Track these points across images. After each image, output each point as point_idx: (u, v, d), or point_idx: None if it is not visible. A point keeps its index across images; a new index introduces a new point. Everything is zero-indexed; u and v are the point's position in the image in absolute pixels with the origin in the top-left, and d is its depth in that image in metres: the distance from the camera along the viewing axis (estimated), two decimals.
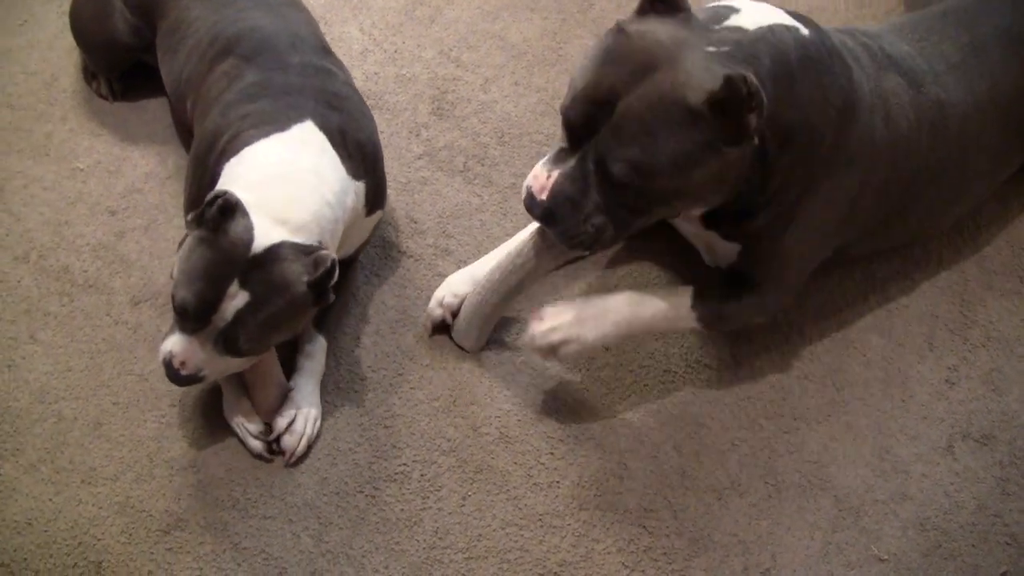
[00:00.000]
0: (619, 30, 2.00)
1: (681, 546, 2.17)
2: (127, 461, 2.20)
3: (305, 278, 2.03)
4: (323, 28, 2.64)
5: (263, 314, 2.02)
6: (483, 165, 2.72)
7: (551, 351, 2.22)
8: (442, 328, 2.41)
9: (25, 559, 2.07)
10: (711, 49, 1.94)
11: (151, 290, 2.43)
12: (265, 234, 2.00)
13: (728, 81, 1.85)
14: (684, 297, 2.29)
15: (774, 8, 2.12)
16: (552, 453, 2.27)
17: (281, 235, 2.02)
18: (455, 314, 2.38)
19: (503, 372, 2.37)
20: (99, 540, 2.10)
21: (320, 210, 2.10)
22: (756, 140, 1.95)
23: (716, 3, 2.13)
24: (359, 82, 2.83)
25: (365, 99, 2.73)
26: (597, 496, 2.22)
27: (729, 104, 1.88)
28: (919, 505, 2.26)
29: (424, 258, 2.53)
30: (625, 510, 2.21)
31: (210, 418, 2.26)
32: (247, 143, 2.15)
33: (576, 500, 2.21)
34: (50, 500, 2.14)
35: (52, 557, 2.07)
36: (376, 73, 2.90)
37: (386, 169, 2.60)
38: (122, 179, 2.62)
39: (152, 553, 2.09)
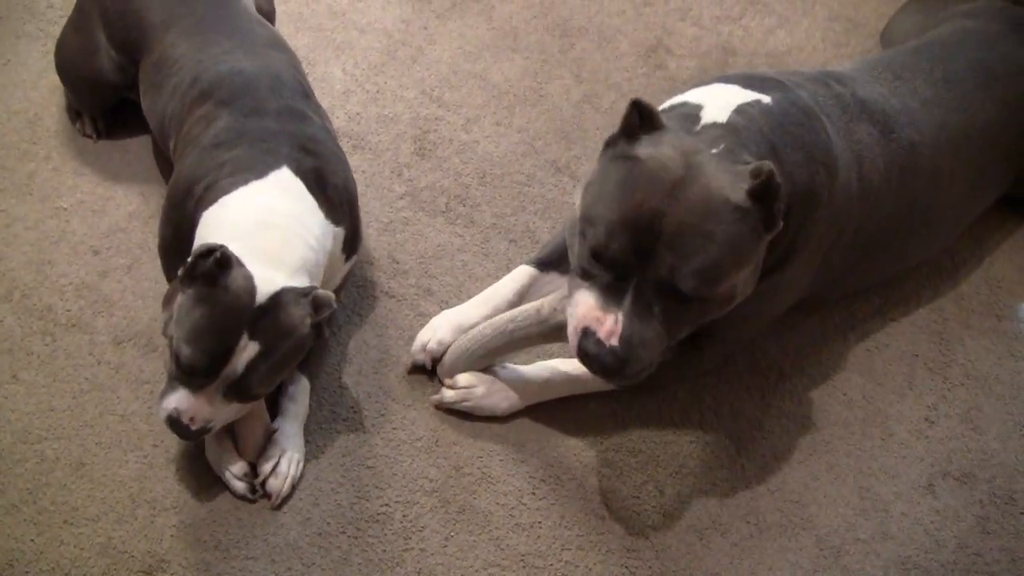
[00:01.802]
0: (625, 156, 2.00)
1: None
2: (109, 502, 2.19)
3: (308, 320, 2.05)
4: (306, 68, 2.65)
5: (273, 360, 2.03)
6: (465, 205, 2.73)
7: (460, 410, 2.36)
8: (422, 368, 2.42)
9: None
10: (714, 151, 1.98)
11: (134, 330, 2.43)
12: (266, 282, 2.02)
13: (758, 172, 1.91)
14: None
15: (729, 88, 2.19)
16: (534, 493, 2.27)
17: (280, 281, 2.03)
18: (437, 359, 2.39)
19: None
20: None
21: (306, 254, 2.12)
22: (782, 223, 1.99)
23: (674, 100, 2.19)
24: (341, 122, 2.84)
25: (347, 140, 2.75)
26: (579, 536, 2.22)
27: (765, 191, 1.92)
28: (900, 544, 2.26)
29: (406, 298, 2.54)
30: (607, 550, 2.21)
31: (192, 459, 2.25)
32: (225, 191, 2.16)
33: (558, 541, 2.21)
34: (32, 541, 2.13)
35: None
36: (358, 113, 2.92)
37: (368, 209, 2.63)
38: (105, 218, 2.62)
39: None
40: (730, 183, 1.93)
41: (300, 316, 2.04)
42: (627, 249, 1.94)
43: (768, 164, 1.91)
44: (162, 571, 2.11)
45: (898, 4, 3.20)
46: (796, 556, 2.23)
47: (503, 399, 2.34)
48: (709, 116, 2.09)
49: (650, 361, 2.00)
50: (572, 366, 2.35)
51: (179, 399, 2.04)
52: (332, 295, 2.08)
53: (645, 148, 1.99)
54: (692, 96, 2.19)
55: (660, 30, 3.24)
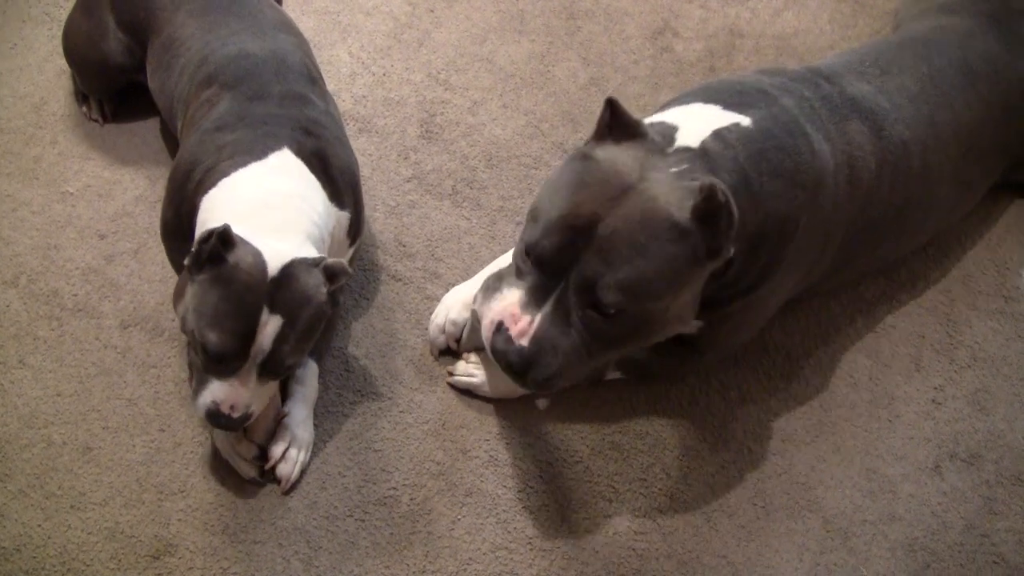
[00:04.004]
0: (584, 156, 1.98)
1: (670, 568, 2.18)
2: (116, 486, 2.20)
3: (324, 288, 2.05)
4: (312, 51, 2.64)
5: (298, 330, 2.03)
6: (471, 188, 2.72)
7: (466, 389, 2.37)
8: (446, 350, 2.44)
9: None
10: (674, 170, 1.94)
11: (140, 314, 2.43)
12: (275, 255, 2.01)
13: (708, 190, 1.85)
14: None
15: (707, 108, 2.14)
16: (541, 476, 2.27)
17: (290, 252, 2.03)
18: (458, 340, 2.40)
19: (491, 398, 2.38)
20: (88, 566, 2.09)
21: (310, 228, 2.12)
22: (731, 252, 1.95)
23: (652, 119, 2.13)
24: (348, 105, 2.84)
25: (354, 122, 2.75)
26: (586, 519, 2.23)
27: (711, 213, 1.87)
28: (907, 525, 2.26)
29: (413, 281, 2.54)
30: (614, 532, 2.21)
31: (199, 443, 2.26)
32: (225, 174, 2.16)
33: (565, 523, 2.22)
34: (39, 526, 2.14)
35: None
36: (365, 96, 2.91)
37: (374, 192, 2.63)
38: (112, 203, 2.62)
39: None
40: (678, 201, 1.89)
41: (315, 284, 2.03)
42: (556, 249, 1.91)
43: (716, 183, 1.86)
44: (170, 555, 2.12)
45: None
46: (803, 538, 2.23)
47: (510, 381, 2.33)
48: (683, 139, 2.03)
49: (561, 369, 1.97)
50: None
51: (214, 391, 2.03)
52: (345, 263, 2.07)
53: (606, 151, 1.97)
54: (670, 116, 2.13)
55: (667, 12, 3.23)
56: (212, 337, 1.98)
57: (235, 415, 2.04)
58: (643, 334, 2.01)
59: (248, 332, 1.99)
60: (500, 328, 1.97)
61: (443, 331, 2.40)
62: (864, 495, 2.30)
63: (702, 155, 2.00)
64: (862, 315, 2.58)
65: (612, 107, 1.98)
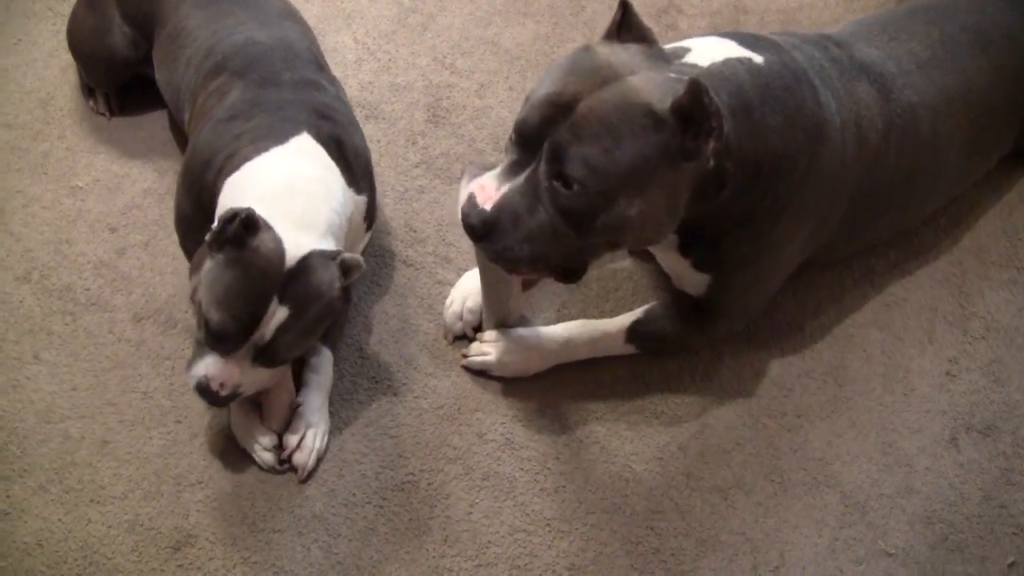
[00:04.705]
0: (585, 48, 2.01)
1: (689, 547, 2.18)
2: (135, 479, 2.20)
3: (337, 284, 2.06)
4: (316, 38, 2.64)
5: (302, 325, 2.04)
6: None
7: (482, 370, 2.37)
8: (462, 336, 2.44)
9: None
10: (672, 75, 1.95)
11: (153, 306, 2.44)
12: (295, 245, 2.02)
13: (694, 85, 1.84)
14: (621, 331, 2.36)
15: (724, 42, 2.14)
16: (558, 458, 2.27)
17: (309, 244, 2.03)
18: (476, 328, 2.41)
19: (506, 378, 2.38)
20: (109, 559, 2.10)
21: (331, 217, 2.12)
22: (711, 163, 1.95)
23: (667, 46, 2.13)
24: (354, 91, 2.84)
25: (361, 109, 2.75)
26: (603, 499, 2.23)
27: (693, 112, 1.87)
28: (925, 498, 2.26)
29: (424, 267, 2.54)
30: (632, 512, 2.22)
31: (216, 434, 2.26)
32: (248, 158, 2.16)
33: (583, 504, 2.22)
34: (59, 520, 2.15)
35: None
36: (371, 82, 2.91)
37: (383, 178, 2.63)
38: (121, 196, 2.63)
39: (162, 571, 2.10)
40: (662, 95, 1.89)
41: (329, 280, 2.04)
42: (536, 123, 1.93)
43: (702, 82, 1.85)
44: (190, 546, 2.12)
45: None
46: (821, 513, 2.23)
47: (523, 359, 2.35)
48: (692, 58, 2.06)
49: (520, 242, 1.97)
50: (593, 328, 2.35)
51: (208, 365, 2.05)
52: (360, 258, 2.08)
53: (607, 48, 1.99)
54: (685, 42, 2.16)
55: None
56: (216, 316, 2.00)
57: (223, 392, 2.06)
58: (608, 225, 1.97)
59: (253, 319, 2.00)
60: (471, 198, 1.99)
61: (460, 318, 2.40)
62: (881, 469, 2.30)
63: (707, 75, 2.00)
64: (874, 288, 2.57)
65: (625, 8, 2.00)
